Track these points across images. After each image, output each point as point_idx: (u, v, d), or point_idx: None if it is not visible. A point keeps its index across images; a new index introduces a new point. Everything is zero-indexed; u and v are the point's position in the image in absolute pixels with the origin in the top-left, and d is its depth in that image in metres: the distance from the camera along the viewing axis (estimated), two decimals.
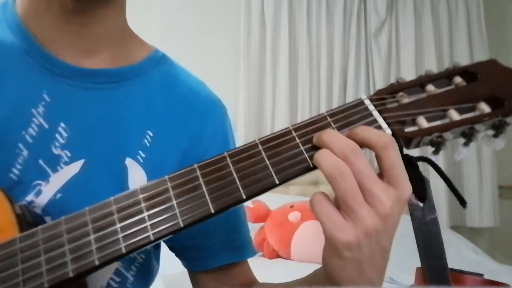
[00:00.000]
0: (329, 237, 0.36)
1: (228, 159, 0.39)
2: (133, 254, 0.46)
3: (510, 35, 2.80)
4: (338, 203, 0.36)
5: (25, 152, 0.47)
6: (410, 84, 0.42)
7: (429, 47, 2.60)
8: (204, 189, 0.38)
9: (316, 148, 0.38)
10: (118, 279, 0.52)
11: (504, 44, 2.78)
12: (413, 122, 0.40)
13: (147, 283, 0.59)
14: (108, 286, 0.51)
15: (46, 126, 0.49)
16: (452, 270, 0.49)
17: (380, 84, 2.56)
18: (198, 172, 0.39)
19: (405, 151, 0.40)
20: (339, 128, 0.40)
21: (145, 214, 0.38)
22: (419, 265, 0.41)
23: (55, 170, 0.48)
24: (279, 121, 2.49)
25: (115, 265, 0.51)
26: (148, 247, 0.38)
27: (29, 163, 0.47)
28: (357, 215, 0.35)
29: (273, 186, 0.38)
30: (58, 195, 0.48)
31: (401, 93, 0.42)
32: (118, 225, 0.37)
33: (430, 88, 0.42)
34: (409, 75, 2.56)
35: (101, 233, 0.37)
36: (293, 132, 0.40)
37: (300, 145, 0.39)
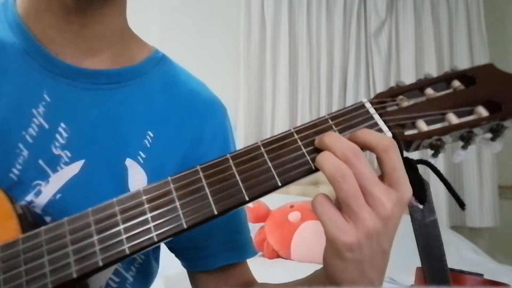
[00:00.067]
0: (330, 238, 0.37)
1: (230, 161, 0.40)
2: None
3: (510, 35, 2.80)
4: (339, 204, 0.37)
5: (25, 152, 0.47)
6: (409, 88, 0.43)
7: (429, 47, 2.60)
8: (207, 190, 0.38)
9: (318, 150, 0.39)
10: (117, 279, 0.52)
11: (504, 44, 2.78)
12: (413, 125, 0.41)
13: (147, 284, 0.59)
14: (107, 286, 0.51)
15: (46, 126, 0.49)
16: (452, 270, 0.50)
17: (380, 84, 2.56)
18: (201, 174, 0.39)
19: (405, 154, 0.41)
20: (341, 131, 0.40)
21: (149, 215, 0.38)
22: (419, 265, 0.41)
23: (55, 170, 0.48)
24: (279, 121, 2.49)
25: (115, 265, 0.51)
26: (151, 248, 0.38)
27: (29, 163, 0.47)
28: (359, 216, 0.36)
29: (275, 188, 0.39)
30: (58, 195, 0.48)
31: (401, 97, 0.42)
32: (122, 226, 0.37)
33: (429, 91, 0.43)
34: (409, 75, 2.56)
35: (104, 234, 0.37)
36: (295, 134, 0.41)
37: (302, 147, 0.40)
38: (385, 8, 2.61)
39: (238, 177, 0.39)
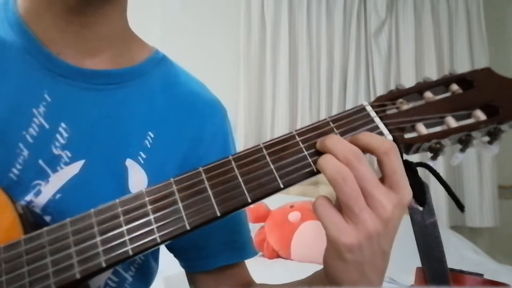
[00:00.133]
0: (331, 239, 0.37)
1: (233, 163, 0.40)
2: None
3: (510, 35, 2.80)
4: (340, 206, 0.37)
5: (25, 152, 0.47)
6: (409, 91, 0.44)
7: (429, 47, 2.60)
8: (210, 192, 0.39)
9: (319, 153, 0.39)
10: (116, 279, 0.52)
11: (504, 44, 2.78)
12: (413, 129, 0.42)
13: (147, 284, 0.59)
14: (105, 286, 0.51)
15: (47, 126, 0.49)
16: (452, 270, 0.50)
17: (380, 84, 2.57)
18: (204, 176, 0.40)
19: (405, 156, 0.41)
20: (342, 134, 0.41)
21: (152, 216, 0.38)
22: (419, 265, 0.42)
23: (55, 170, 0.48)
24: (279, 121, 2.49)
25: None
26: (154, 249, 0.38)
27: (29, 163, 0.47)
28: (359, 218, 0.36)
29: (277, 190, 0.39)
30: (58, 196, 0.48)
31: (400, 100, 0.43)
32: (125, 228, 0.38)
33: (428, 95, 0.43)
34: (409, 75, 2.56)
35: (107, 235, 0.37)
36: (296, 137, 0.41)
37: (304, 150, 0.40)
38: (385, 8, 2.61)
39: (240, 179, 0.39)
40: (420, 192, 0.42)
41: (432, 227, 0.41)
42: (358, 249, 0.36)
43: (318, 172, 0.39)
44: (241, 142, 2.39)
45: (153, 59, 0.58)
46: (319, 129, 0.41)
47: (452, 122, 0.41)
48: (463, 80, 0.44)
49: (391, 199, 0.37)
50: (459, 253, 1.93)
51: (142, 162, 0.52)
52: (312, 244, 1.68)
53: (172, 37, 2.34)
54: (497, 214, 2.54)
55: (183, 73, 0.62)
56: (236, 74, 2.51)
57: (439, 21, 2.63)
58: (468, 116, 0.42)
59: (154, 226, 0.38)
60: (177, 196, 0.39)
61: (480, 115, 0.41)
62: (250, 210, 1.83)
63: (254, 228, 1.84)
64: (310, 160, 0.40)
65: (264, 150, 0.40)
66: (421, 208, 0.42)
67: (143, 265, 0.56)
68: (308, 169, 0.39)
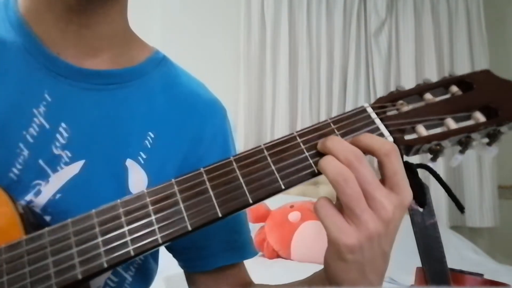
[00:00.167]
0: (333, 240, 0.37)
1: (234, 164, 0.40)
2: None
3: (510, 35, 2.80)
4: (341, 207, 0.38)
5: (25, 152, 0.47)
6: (409, 93, 0.44)
7: (429, 47, 2.60)
8: (211, 193, 0.39)
9: (320, 154, 0.40)
10: (115, 279, 0.52)
11: (504, 44, 2.78)
12: (413, 130, 0.42)
13: (146, 284, 0.59)
14: (105, 286, 0.51)
15: (47, 126, 0.49)
16: (452, 270, 0.50)
17: (380, 84, 2.57)
18: (205, 176, 0.40)
19: (405, 158, 0.41)
20: (343, 135, 0.41)
21: (153, 217, 0.38)
22: (419, 265, 0.42)
23: (55, 170, 0.48)
24: (279, 121, 2.49)
25: None
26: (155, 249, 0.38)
27: (29, 163, 0.47)
28: (361, 219, 0.36)
29: (279, 191, 0.39)
30: (58, 195, 0.48)
31: (400, 101, 0.43)
32: (126, 228, 0.38)
33: (428, 96, 0.44)
34: (409, 75, 2.56)
35: (109, 236, 0.38)
36: (297, 138, 0.41)
37: (305, 151, 0.40)
38: (385, 8, 2.61)
39: (242, 180, 0.39)
40: (420, 193, 0.42)
41: (432, 228, 0.42)
42: (359, 249, 0.37)
43: (319, 173, 0.39)
44: (241, 142, 2.39)
45: (154, 60, 0.58)
46: (320, 130, 0.41)
47: (452, 123, 0.41)
48: (463, 82, 0.44)
49: (392, 200, 0.37)
50: (459, 253, 1.93)
51: (142, 162, 0.52)
52: (312, 244, 1.68)
53: (172, 37, 2.34)
54: (497, 214, 2.54)
55: (183, 73, 0.62)
56: (236, 74, 2.51)
57: (439, 21, 2.63)
58: (468, 117, 0.42)
59: (155, 227, 0.38)
60: (178, 197, 0.39)
61: (480, 117, 0.42)
62: (250, 210, 1.83)
63: (254, 228, 1.84)
64: (311, 161, 0.40)
65: (265, 151, 0.41)
66: (421, 209, 0.42)
67: (143, 265, 0.56)
68: (309, 170, 0.40)
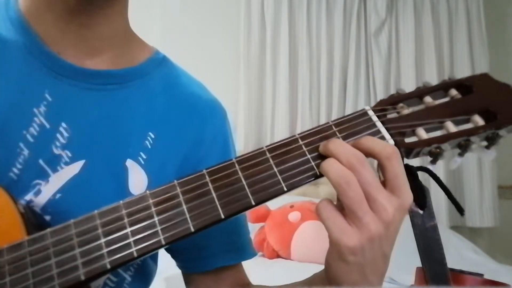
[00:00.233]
0: (334, 241, 0.38)
1: (236, 165, 0.40)
2: None
3: (510, 35, 2.80)
4: (341, 208, 0.38)
5: (25, 152, 0.47)
6: (409, 96, 0.45)
7: (429, 47, 2.60)
8: (214, 194, 0.39)
9: (322, 156, 0.40)
10: (115, 279, 0.52)
11: (504, 44, 2.78)
12: (413, 133, 0.42)
13: (146, 284, 0.59)
14: (105, 286, 0.51)
15: (48, 125, 0.49)
16: (452, 270, 0.50)
17: (380, 84, 2.56)
18: (207, 178, 0.40)
19: (405, 160, 0.42)
20: (344, 138, 0.42)
21: (156, 218, 0.38)
22: (419, 265, 0.42)
23: (55, 170, 0.48)
24: (279, 121, 2.49)
25: None
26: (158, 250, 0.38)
27: (29, 163, 0.47)
28: (363, 221, 0.37)
29: (281, 193, 0.40)
30: (58, 195, 0.48)
31: (401, 104, 0.44)
32: (129, 229, 0.38)
33: (428, 99, 0.44)
34: (409, 75, 2.56)
35: (111, 237, 0.38)
36: (299, 140, 0.41)
37: (307, 153, 0.41)
38: (385, 8, 2.61)
39: (244, 182, 0.39)
40: (420, 195, 0.42)
41: (432, 230, 0.42)
42: (360, 251, 0.37)
43: (321, 175, 0.39)
44: (241, 142, 2.39)
45: (154, 60, 0.58)
46: (321, 133, 0.42)
47: (451, 127, 0.42)
48: (462, 85, 0.45)
49: (392, 202, 0.38)
50: (459, 253, 1.93)
51: (142, 162, 0.52)
52: (312, 244, 1.68)
53: (172, 37, 2.34)
54: (497, 214, 2.54)
55: (183, 74, 0.62)
56: (236, 74, 2.51)
57: (439, 21, 2.63)
58: (467, 121, 0.43)
59: (158, 228, 0.38)
60: (181, 198, 0.39)
61: (479, 120, 0.42)
62: (250, 210, 1.82)
63: (254, 228, 1.84)
64: (313, 163, 0.40)
65: (267, 153, 0.41)
66: (421, 212, 0.42)
67: (142, 266, 0.56)
68: (311, 173, 0.40)
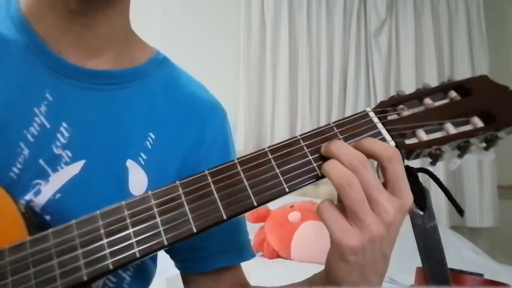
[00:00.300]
0: (336, 242, 0.38)
1: (238, 166, 0.40)
2: None
3: (510, 35, 2.80)
4: (343, 208, 0.38)
5: (26, 151, 0.47)
6: (409, 97, 0.45)
7: (429, 47, 2.60)
8: (216, 195, 0.39)
9: (324, 157, 0.40)
10: (114, 280, 0.52)
11: (504, 44, 2.78)
12: (413, 135, 0.43)
13: (145, 284, 0.59)
14: (104, 286, 0.51)
15: (48, 125, 0.49)
16: (452, 270, 0.50)
17: (380, 84, 2.57)
18: (210, 179, 0.40)
19: (405, 162, 0.42)
20: (346, 139, 0.42)
21: (158, 219, 0.38)
22: (419, 265, 0.42)
23: (55, 170, 0.48)
24: (279, 121, 2.49)
25: None
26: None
27: (30, 162, 0.47)
28: (364, 222, 0.37)
29: (283, 194, 0.40)
30: (58, 195, 0.48)
31: (401, 106, 0.44)
32: (131, 230, 0.38)
33: (428, 101, 0.44)
34: (409, 75, 2.56)
35: (114, 237, 0.38)
36: (301, 141, 0.42)
37: (309, 154, 0.41)
38: (385, 8, 2.61)
39: (246, 183, 0.40)
40: (420, 197, 0.43)
41: (432, 231, 0.42)
42: (361, 251, 0.37)
43: (323, 176, 0.40)
44: (241, 142, 2.39)
45: (154, 60, 0.58)
46: (323, 134, 0.42)
47: (451, 128, 0.42)
48: (461, 87, 0.45)
49: (393, 204, 0.38)
50: (459, 253, 1.93)
51: (142, 163, 0.52)
52: (312, 244, 1.68)
53: (172, 37, 2.34)
54: (497, 214, 2.55)
55: (183, 75, 0.62)
56: (236, 74, 2.51)
57: (439, 21, 2.64)
58: (466, 122, 0.43)
59: (161, 228, 0.38)
60: (183, 199, 0.39)
61: (478, 122, 0.42)
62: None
63: (254, 228, 1.84)
64: (315, 164, 0.40)
65: (269, 154, 0.41)
66: (421, 213, 0.43)
67: (141, 266, 0.56)
68: (313, 174, 0.40)
